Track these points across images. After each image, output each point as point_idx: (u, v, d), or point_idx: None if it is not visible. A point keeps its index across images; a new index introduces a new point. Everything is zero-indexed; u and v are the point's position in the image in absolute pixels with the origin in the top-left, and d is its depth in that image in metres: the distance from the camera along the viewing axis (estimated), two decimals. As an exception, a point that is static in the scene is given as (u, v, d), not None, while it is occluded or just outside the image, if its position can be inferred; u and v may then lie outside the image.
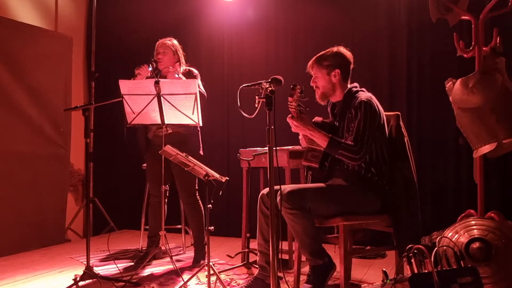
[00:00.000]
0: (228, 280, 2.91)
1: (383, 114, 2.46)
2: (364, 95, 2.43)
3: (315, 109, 2.58)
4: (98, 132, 4.78)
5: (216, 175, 2.59)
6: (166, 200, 3.37)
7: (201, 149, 3.36)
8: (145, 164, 3.55)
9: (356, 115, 2.36)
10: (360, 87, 2.53)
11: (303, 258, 2.52)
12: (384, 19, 3.91)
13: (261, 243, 2.52)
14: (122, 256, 3.66)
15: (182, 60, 3.38)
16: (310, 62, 2.53)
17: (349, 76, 2.53)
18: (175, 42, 3.39)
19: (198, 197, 3.37)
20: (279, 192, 2.25)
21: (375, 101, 2.42)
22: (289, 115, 2.38)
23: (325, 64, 2.49)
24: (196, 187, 3.36)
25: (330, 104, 2.64)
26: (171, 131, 3.22)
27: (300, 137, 2.66)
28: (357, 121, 2.35)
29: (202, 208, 3.37)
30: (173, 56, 3.33)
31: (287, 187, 2.32)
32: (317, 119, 2.61)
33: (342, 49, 2.52)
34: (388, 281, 1.77)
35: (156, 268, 3.25)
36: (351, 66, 2.54)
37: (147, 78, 3.15)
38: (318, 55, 2.52)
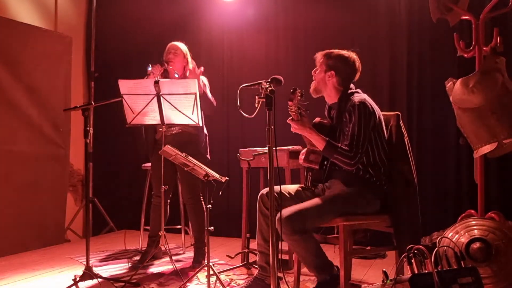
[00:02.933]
0: (228, 280, 2.90)
1: (379, 113, 2.45)
2: (358, 97, 2.40)
3: (315, 112, 2.58)
4: (97, 132, 4.78)
5: (216, 175, 2.58)
6: (168, 200, 3.38)
7: (208, 153, 3.37)
8: (145, 164, 3.55)
9: (351, 119, 2.34)
10: (356, 88, 2.52)
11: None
12: (385, 19, 3.91)
13: (261, 243, 2.51)
14: (122, 256, 3.66)
15: (190, 65, 3.38)
16: (319, 53, 2.53)
17: (348, 84, 2.50)
18: (185, 46, 3.39)
19: (201, 198, 3.37)
20: (278, 217, 2.20)
21: (369, 101, 2.39)
22: (290, 117, 2.38)
23: (328, 62, 2.48)
24: (200, 187, 3.36)
25: (327, 106, 2.64)
26: (180, 130, 3.23)
27: (300, 158, 2.63)
28: (351, 124, 2.33)
29: (204, 207, 3.36)
30: (183, 59, 3.33)
31: (285, 212, 2.26)
32: (316, 119, 2.60)
33: (353, 56, 2.50)
34: (388, 281, 1.76)
35: (156, 268, 3.25)
36: (355, 76, 2.51)
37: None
38: (329, 50, 2.51)
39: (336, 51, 2.51)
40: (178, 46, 3.34)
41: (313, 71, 2.55)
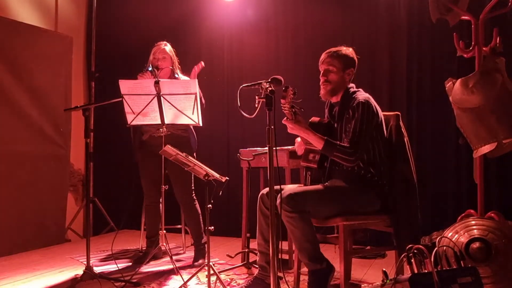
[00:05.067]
0: (228, 280, 2.91)
1: (381, 114, 2.47)
2: (362, 96, 2.43)
3: (311, 109, 2.58)
4: (98, 132, 4.78)
5: (216, 175, 2.59)
6: (163, 200, 3.38)
7: (194, 152, 3.36)
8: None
9: (354, 116, 2.36)
10: (357, 87, 2.53)
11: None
12: (384, 19, 3.91)
13: (261, 243, 2.52)
14: (122, 256, 3.67)
15: (177, 65, 3.40)
16: (324, 56, 2.51)
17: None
18: (170, 47, 3.41)
19: (194, 196, 3.37)
20: (279, 195, 2.24)
21: (372, 101, 2.42)
22: (285, 118, 2.38)
23: (343, 60, 2.48)
24: (192, 187, 3.36)
25: (328, 105, 2.64)
26: (169, 132, 3.22)
27: (296, 145, 2.66)
28: (354, 121, 2.35)
29: (199, 207, 3.38)
30: (170, 62, 3.36)
31: (287, 190, 2.30)
32: (314, 119, 2.61)
33: (353, 51, 2.54)
34: (388, 281, 1.77)
35: (156, 268, 3.25)
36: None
37: None
38: (334, 49, 2.50)
39: (338, 48, 2.51)
40: (165, 50, 3.35)
41: (322, 75, 2.50)
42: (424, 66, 3.76)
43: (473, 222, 2.42)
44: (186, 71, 3.49)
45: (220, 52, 4.55)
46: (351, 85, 2.54)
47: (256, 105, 1.98)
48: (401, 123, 2.55)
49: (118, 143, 4.80)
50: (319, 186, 2.41)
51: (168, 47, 3.38)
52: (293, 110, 2.34)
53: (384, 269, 1.83)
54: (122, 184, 4.84)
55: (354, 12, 4.04)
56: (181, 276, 2.82)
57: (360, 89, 2.52)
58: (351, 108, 2.39)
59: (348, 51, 2.52)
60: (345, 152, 2.32)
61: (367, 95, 2.46)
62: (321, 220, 2.41)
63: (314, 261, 2.34)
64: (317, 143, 2.38)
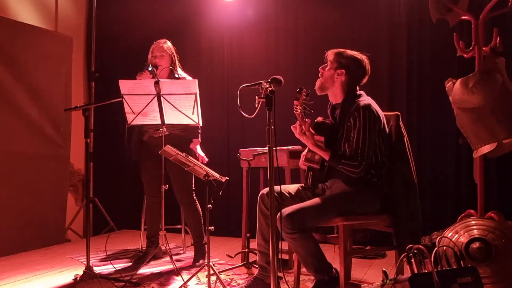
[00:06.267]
0: (228, 280, 2.91)
1: (383, 117, 2.45)
2: (363, 101, 2.40)
3: (320, 112, 2.58)
4: (98, 132, 4.78)
5: (216, 175, 2.59)
6: (163, 200, 3.38)
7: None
8: None
9: (355, 124, 2.34)
10: (359, 89, 2.52)
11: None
12: (384, 19, 3.91)
13: (261, 243, 2.52)
14: (122, 256, 3.67)
15: (177, 63, 3.38)
16: (331, 50, 2.52)
17: (355, 86, 2.50)
18: (170, 44, 3.38)
19: (195, 197, 3.37)
20: (278, 215, 2.22)
21: (374, 106, 2.39)
22: (293, 124, 2.38)
23: (340, 60, 2.47)
24: (193, 187, 3.36)
25: (330, 106, 2.63)
26: (167, 132, 3.21)
27: (301, 161, 2.64)
28: (356, 130, 2.33)
29: (199, 207, 3.38)
30: (169, 60, 3.33)
31: (285, 210, 2.28)
32: (319, 119, 2.60)
33: (365, 60, 2.51)
34: (388, 281, 1.77)
35: (156, 268, 3.25)
36: (364, 78, 2.52)
37: None
38: (342, 49, 2.51)
39: (349, 51, 2.51)
40: (163, 48, 3.31)
41: (321, 67, 2.53)
42: (424, 66, 3.76)
43: (473, 222, 2.42)
44: (186, 72, 3.48)
45: (220, 52, 4.55)
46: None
47: (256, 105, 1.98)
48: (401, 123, 2.55)
49: (118, 143, 4.79)
50: (316, 200, 2.36)
51: (166, 45, 3.35)
52: (304, 111, 2.35)
53: (384, 269, 1.83)
54: (122, 184, 4.85)
55: (354, 12, 4.04)
56: (181, 276, 2.82)
57: (362, 93, 2.50)
58: (352, 115, 2.36)
59: (354, 56, 2.48)
60: (350, 165, 2.32)
61: (369, 101, 2.43)
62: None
63: (320, 272, 2.35)
64: (324, 156, 2.40)
